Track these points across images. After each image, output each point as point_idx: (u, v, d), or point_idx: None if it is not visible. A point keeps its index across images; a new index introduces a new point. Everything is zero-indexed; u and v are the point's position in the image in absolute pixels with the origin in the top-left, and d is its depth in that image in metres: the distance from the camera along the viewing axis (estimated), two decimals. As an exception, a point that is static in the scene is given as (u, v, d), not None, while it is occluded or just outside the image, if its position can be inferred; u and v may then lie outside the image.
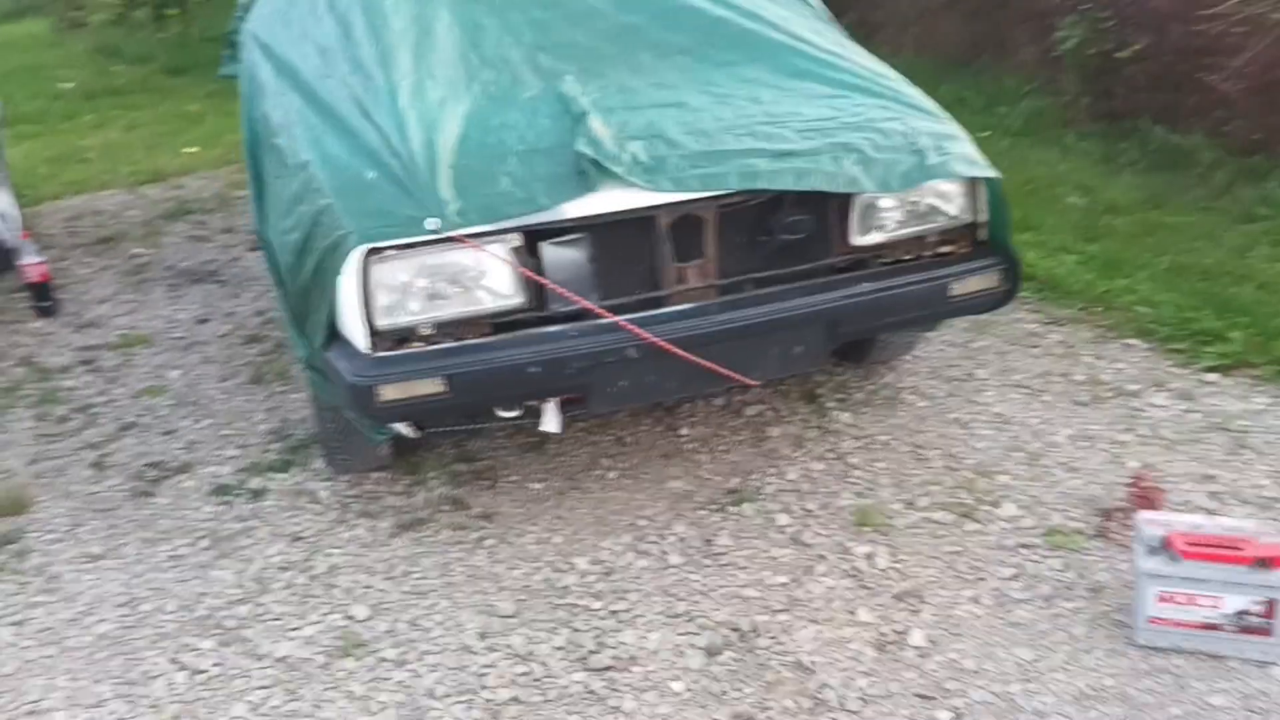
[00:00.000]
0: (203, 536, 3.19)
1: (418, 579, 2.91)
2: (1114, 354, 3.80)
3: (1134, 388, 3.56)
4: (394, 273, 2.65)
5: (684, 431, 3.48)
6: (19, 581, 3.05)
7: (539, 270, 2.71)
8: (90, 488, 3.49)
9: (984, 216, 2.98)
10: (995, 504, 3.00)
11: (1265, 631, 2.37)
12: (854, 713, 2.36)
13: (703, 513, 3.07)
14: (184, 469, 3.55)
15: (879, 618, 2.62)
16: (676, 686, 2.47)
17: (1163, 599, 2.40)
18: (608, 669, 2.54)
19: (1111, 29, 5.76)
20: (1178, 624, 2.41)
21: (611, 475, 3.29)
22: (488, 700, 2.48)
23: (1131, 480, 2.95)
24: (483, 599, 2.81)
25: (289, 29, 3.56)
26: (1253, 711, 2.29)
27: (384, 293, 2.65)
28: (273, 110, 3.31)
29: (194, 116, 8.20)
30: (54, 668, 2.70)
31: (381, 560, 3.00)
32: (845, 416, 3.49)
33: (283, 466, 3.50)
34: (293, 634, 2.74)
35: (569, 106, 2.96)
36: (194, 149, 7.33)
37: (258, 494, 3.37)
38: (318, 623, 2.78)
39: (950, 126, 2.99)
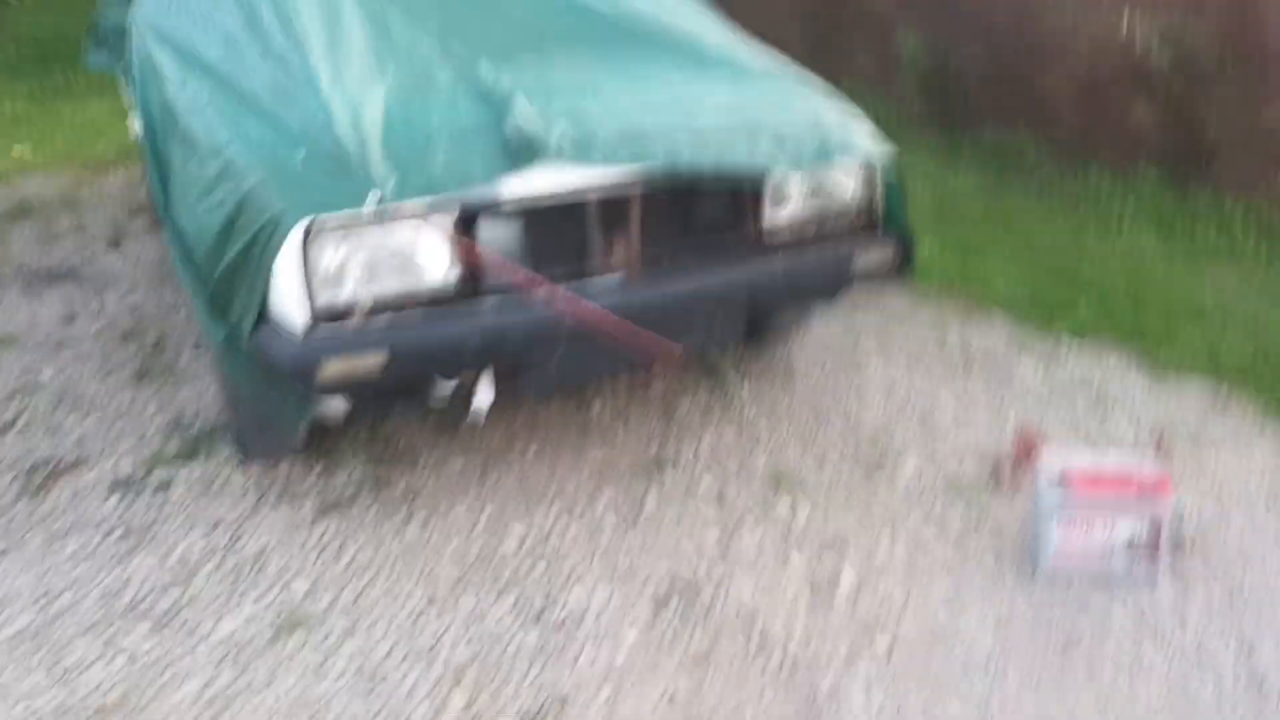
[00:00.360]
0: (113, 529, 3.09)
1: (352, 555, 2.92)
2: (979, 325, 4.12)
3: (1002, 353, 3.88)
4: (332, 249, 2.67)
5: (596, 406, 3.59)
6: (-88, 582, 2.91)
7: (474, 246, 2.77)
8: (-25, 489, 3.34)
9: (880, 194, 3.21)
10: (897, 459, 3.23)
11: (1152, 553, 2.65)
12: (799, 649, 2.53)
13: (627, 479, 3.19)
14: (77, 465, 3.42)
15: (809, 564, 2.80)
16: (629, 636, 2.58)
17: (1064, 529, 2.66)
18: (561, 624, 2.63)
19: (946, 38, 6.20)
20: (1077, 552, 2.68)
21: (532, 449, 3.37)
22: (446, 660, 2.53)
23: (1015, 432, 3.23)
24: (423, 570, 2.85)
25: (187, 17, 3.51)
26: (1145, 623, 2.57)
27: (322, 269, 2.67)
28: (176, 96, 3.25)
29: (17, 116, 7.79)
30: (-27, 663, 2.59)
31: (312, 540, 2.99)
32: (746, 388, 3.67)
33: (187, 457, 3.43)
34: (232, 613, 2.72)
35: (491, 89, 3.04)
36: (23, 148, 6.98)
37: (164, 485, 3.29)
38: (256, 601, 2.76)
39: (850, 110, 3.21)
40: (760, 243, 3.11)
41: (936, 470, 3.17)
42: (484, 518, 3.06)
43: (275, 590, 2.80)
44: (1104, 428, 3.36)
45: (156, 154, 3.34)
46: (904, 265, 3.22)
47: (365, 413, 3.21)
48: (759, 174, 2.99)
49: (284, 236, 2.62)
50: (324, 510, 3.12)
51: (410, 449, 3.41)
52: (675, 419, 3.49)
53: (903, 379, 3.70)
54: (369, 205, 2.64)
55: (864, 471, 3.18)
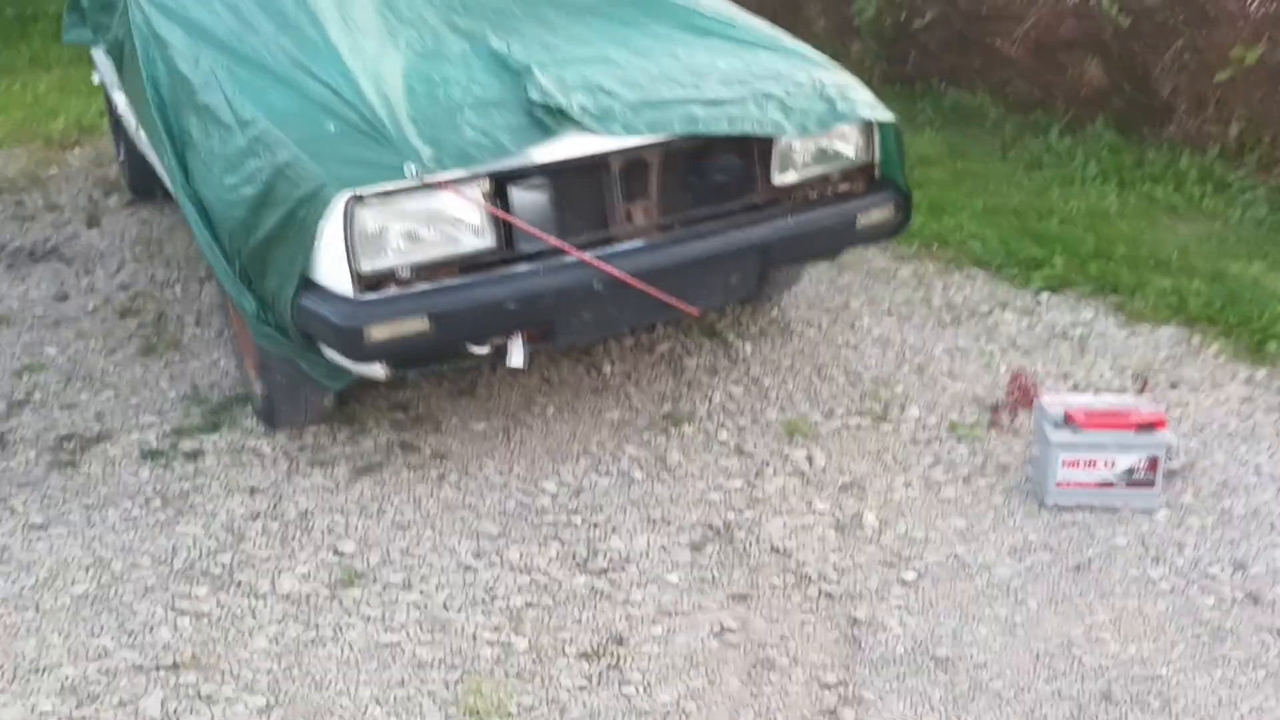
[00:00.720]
0: (151, 498, 3.18)
1: (394, 514, 3.05)
2: (959, 282, 4.32)
3: (985, 308, 4.09)
4: (375, 218, 2.78)
5: (606, 369, 3.73)
6: (-41, 556, 2.97)
7: (507, 213, 2.89)
8: (1, 464, 3.39)
9: (879, 156, 3.39)
10: (901, 408, 3.43)
11: (1149, 484, 2.88)
12: (833, 583, 2.71)
13: (647, 435, 3.34)
14: (102, 438, 3.50)
15: (832, 506, 2.98)
16: (673, 578, 2.75)
17: (1068, 464, 2.87)
18: (605, 570, 2.78)
19: (903, 1, 6.38)
20: (1080, 484, 2.89)
21: (550, 411, 3.51)
22: (503, 607, 2.67)
23: (1010, 379, 3.44)
24: (465, 525, 2.99)
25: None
26: (1147, 547, 2.79)
27: (366, 237, 2.77)
28: (190, 70, 3.31)
29: (-31, 95, 7.66)
30: (40, 628, 2.68)
31: (351, 501, 3.11)
32: (748, 347, 3.84)
33: (211, 428, 3.51)
34: (287, 572, 2.83)
35: (505, 62, 3.15)
36: (-22, 127, 6.89)
37: (193, 455, 3.38)
38: (308, 560, 2.88)
39: (847, 76, 3.37)
40: (771, 204, 3.27)
41: (938, 418, 3.37)
42: (514, 476, 3.19)
43: (324, 550, 2.92)
44: (1089, 375, 3.58)
45: (169, 129, 3.38)
46: (903, 222, 3.40)
47: (402, 375, 3.32)
48: (763, 140, 3.14)
49: (327, 207, 2.72)
50: (357, 474, 3.23)
51: (430, 414, 3.52)
52: (683, 378, 3.65)
53: (895, 334, 3.89)
54: (408, 176, 2.75)
55: (871, 421, 3.37)
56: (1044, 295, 4.16)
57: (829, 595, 2.67)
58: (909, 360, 3.72)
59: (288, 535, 2.98)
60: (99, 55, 5.04)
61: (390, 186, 2.76)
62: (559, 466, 3.22)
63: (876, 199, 3.34)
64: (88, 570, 2.89)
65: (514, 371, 3.66)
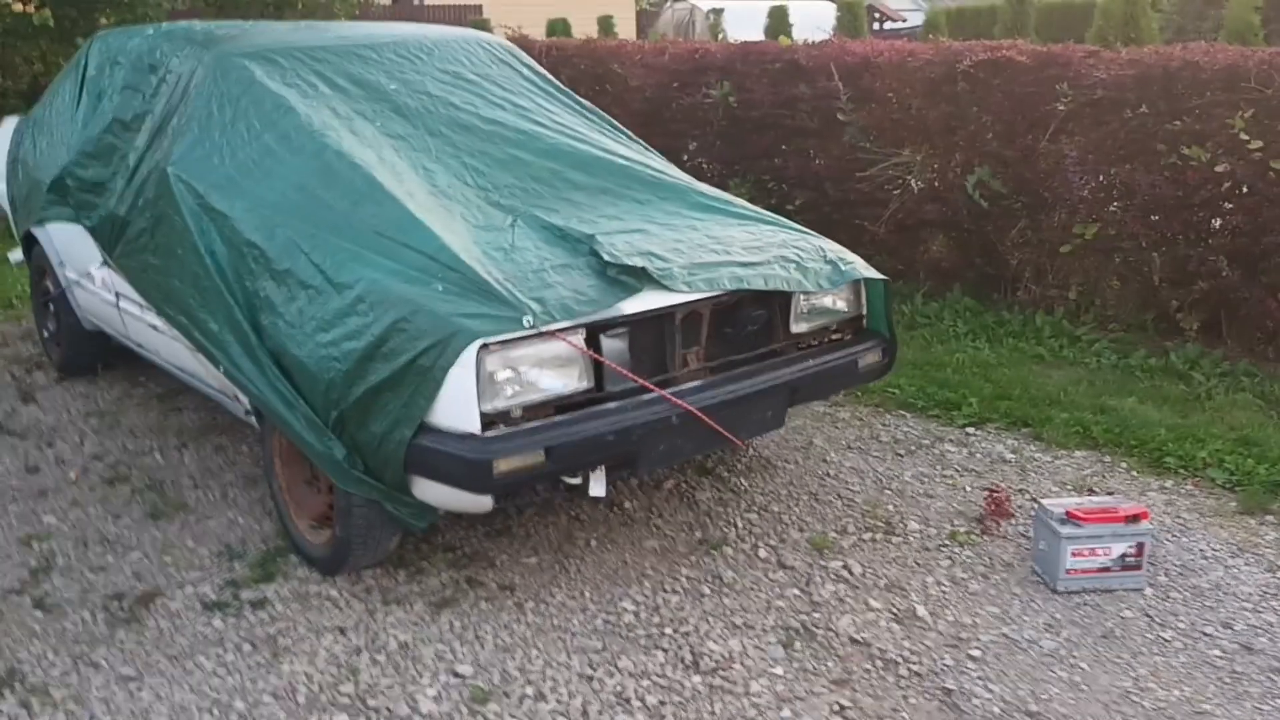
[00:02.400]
0: (239, 643, 3.26)
1: (493, 639, 3.25)
2: (894, 422, 4.95)
3: (926, 441, 4.71)
4: (495, 364, 3.12)
5: (628, 505, 4.08)
6: (66, 711, 2.97)
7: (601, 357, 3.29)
8: (56, 625, 3.37)
9: (865, 309, 4.00)
10: (902, 523, 3.94)
11: (1138, 566, 3.48)
12: (915, 663, 3.13)
13: (693, 558, 3.70)
14: (154, 595, 3.53)
15: (885, 604, 3.42)
16: (778, 670, 3.09)
17: (1074, 554, 3.44)
18: (715, 670, 3.10)
19: (775, 186, 7.24)
20: (1084, 571, 3.46)
21: (593, 543, 3.81)
22: (640, 706, 2.94)
23: (986, 496, 4.02)
24: (565, 643, 3.23)
25: (242, 170, 3.82)
26: (1151, 617, 3.35)
27: (491, 381, 3.10)
28: (264, 240, 3.57)
29: None
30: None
31: (445, 631, 3.29)
32: (744, 481, 4.28)
33: (265, 578, 3.61)
34: (421, 694, 3.00)
35: (564, 233, 3.61)
36: None
37: (259, 604, 3.47)
38: (432, 683, 3.04)
39: (837, 245, 4.00)
40: (788, 350, 3.79)
41: (936, 529, 3.89)
42: (587, 600, 3.47)
43: (443, 674, 3.09)
44: (1038, 490, 4.22)
45: (233, 293, 3.59)
46: (889, 365, 3.99)
47: (502, 505, 3.53)
48: (785, 294, 3.68)
49: (459, 354, 3.04)
50: (436, 608, 3.42)
51: (481, 552, 3.76)
52: (700, 509, 4.04)
53: (863, 464, 4.44)
54: (525, 326, 3.12)
55: (882, 535, 3.85)
56: (970, 429, 4.83)
57: (916, 673, 3.08)
58: (887, 485, 4.26)
59: (400, 665, 3.14)
60: (52, 233, 5.12)
61: (509, 336, 3.12)
62: (626, 588, 3.52)
63: (870, 345, 3.93)
64: (211, 713, 2.95)
65: (546, 510, 3.98)
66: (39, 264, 5.52)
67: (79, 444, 4.77)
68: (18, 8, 8.46)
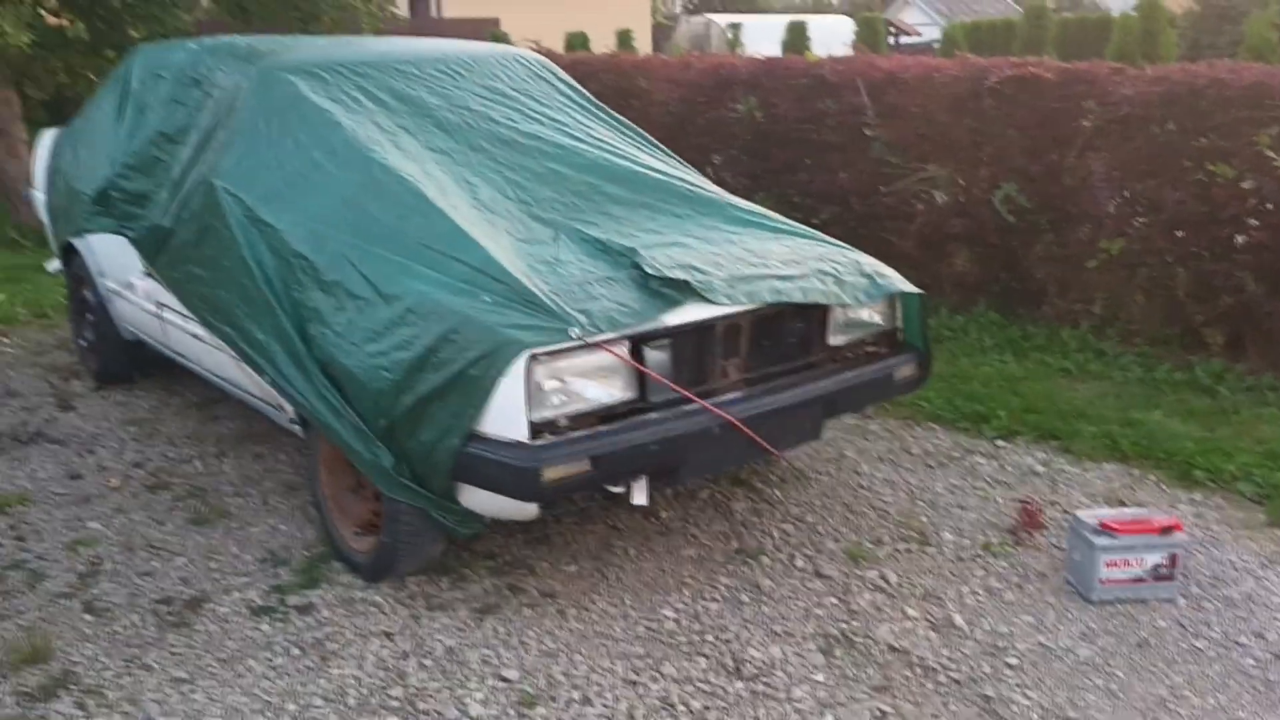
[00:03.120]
0: (288, 647, 3.32)
1: (536, 645, 3.31)
2: (924, 435, 5.00)
3: (957, 454, 4.76)
4: (543, 374, 3.18)
5: (664, 515, 4.14)
6: (121, 712, 3.04)
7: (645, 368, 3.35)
8: (107, 628, 3.44)
9: (900, 322, 4.05)
10: (937, 534, 3.99)
11: (1170, 577, 3.52)
12: (953, 671, 3.17)
13: (730, 567, 3.75)
14: (202, 599, 3.60)
15: (921, 613, 3.47)
16: (819, 677, 3.14)
17: (1109, 564, 3.49)
18: (758, 676, 3.15)
19: (800, 201, 7.31)
20: (1117, 581, 3.50)
21: (630, 552, 3.87)
22: (685, 711, 2.99)
23: (1020, 505, 4.07)
24: (609, 649, 3.29)
25: (289, 183, 3.89)
26: (1185, 627, 3.40)
27: (538, 391, 3.16)
28: (313, 251, 3.64)
29: None
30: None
31: (489, 637, 3.35)
32: (778, 492, 4.34)
33: (310, 584, 3.68)
34: (469, 697, 3.05)
35: (606, 246, 3.67)
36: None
37: (305, 609, 3.53)
38: (479, 687, 3.10)
39: (873, 258, 4.05)
40: (825, 362, 3.85)
41: (970, 540, 3.94)
42: (628, 607, 3.52)
43: (489, 678, 3.15)
44: (1069, 502, 4.26)
45: (282, 307, 3.66)
46: (924, 377, 4.05)
47: (548, 512, 3.59)
48: (821, 307, 3.74)
49: (509, 365, 3.10)
50: (480, 614, 3.48)
51: (520, 560, 3.82)
52: (735, 519, 4.10)
53: (896, 476, 4.49)
54: (573, 338, 3.18)
55: (917, 545, 3.90)
56: (999, 442, 4.88)
57: (955, 681, 3.13)
58: (919, 497, 4.31)
59: (446, 669, 3.20)
60: (93, 243, 5.20)
61: (557, 347, 3.18)
62: (666, 596, 3.57)
63: (906, 358, 3.98)
64: (264, 715, 3.01)
65: (584, 519, 4.04)
66: (77, 273, 5.61)
67: (119, 451, 4.85)
68: (52, 21, 8.57)
